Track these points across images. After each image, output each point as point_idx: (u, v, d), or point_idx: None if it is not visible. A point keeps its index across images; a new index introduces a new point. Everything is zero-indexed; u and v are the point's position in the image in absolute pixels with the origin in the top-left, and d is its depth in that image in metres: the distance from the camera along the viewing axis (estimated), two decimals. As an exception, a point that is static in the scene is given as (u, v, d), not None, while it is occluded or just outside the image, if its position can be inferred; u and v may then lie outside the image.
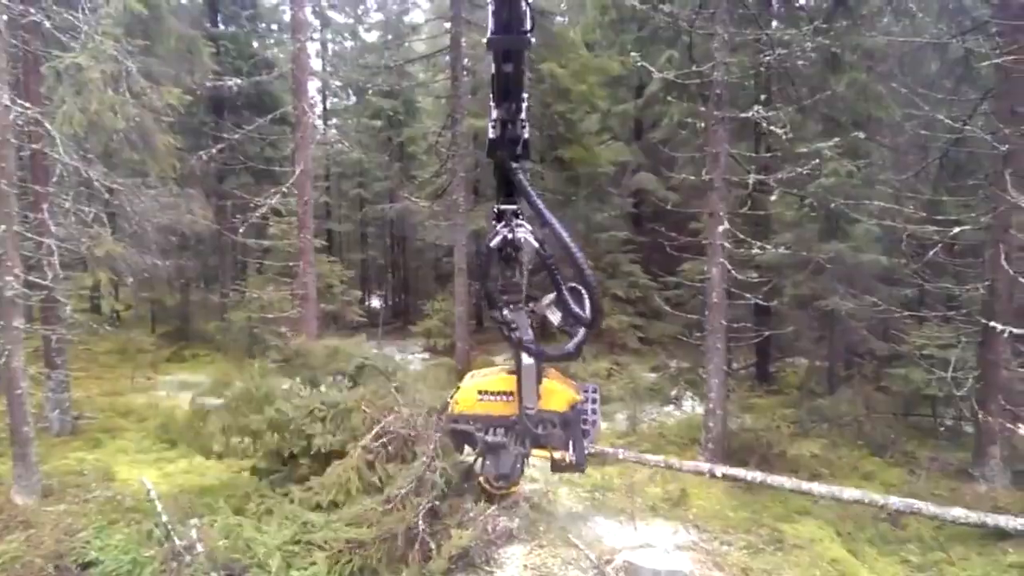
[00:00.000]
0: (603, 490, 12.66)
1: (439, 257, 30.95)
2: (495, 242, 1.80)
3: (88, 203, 13.50)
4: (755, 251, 12.85)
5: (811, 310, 16.18)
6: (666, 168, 20.11)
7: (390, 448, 9.39)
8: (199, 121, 21.15)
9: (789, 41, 12.44)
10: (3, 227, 10.56)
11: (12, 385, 10.93)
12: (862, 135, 12.90)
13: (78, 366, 15.75)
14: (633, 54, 13.29)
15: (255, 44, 25.35)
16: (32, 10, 10.90)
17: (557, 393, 2.34)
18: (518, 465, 2.36)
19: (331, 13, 26.83)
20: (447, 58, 24.23)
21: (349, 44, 29.90)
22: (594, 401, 2.50)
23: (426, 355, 23.91)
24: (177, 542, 7.20)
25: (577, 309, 1.81)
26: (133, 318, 26.39)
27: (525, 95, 1.58)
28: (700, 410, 16.22)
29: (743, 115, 12.53)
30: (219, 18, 23.60)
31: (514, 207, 1.77)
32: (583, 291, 1.83)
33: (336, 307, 22.51)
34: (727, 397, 13.53)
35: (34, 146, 11.58)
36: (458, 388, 2.48)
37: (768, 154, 14.55)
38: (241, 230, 13.90)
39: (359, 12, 28.82)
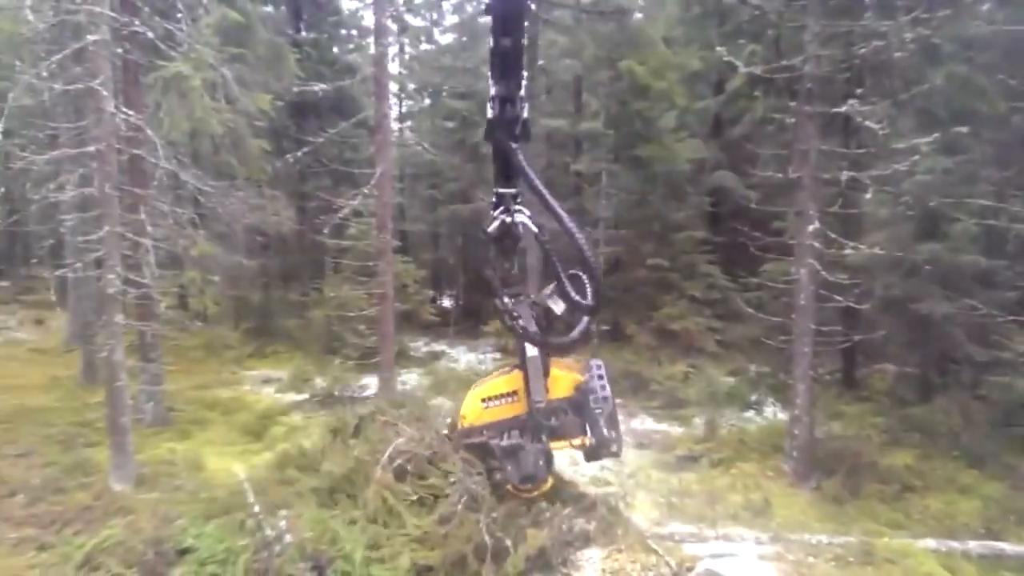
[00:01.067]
0: (681, 496, 12.42)
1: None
2: (493, 228, 1.75)
3: (181, 205, 14.16)
4: (847, 251, 12.30)
5: (903, 314, 15.38)
6: (746, 166, 19.56)
7: (409, 468, 9.38)
8: (282, 125, 21.83)
9: (885, 32, 11.85)
10: (106, 228, 11.16)
11: (112, 377, 11.54)
12: (964, 129, 12.16)
13: (168, 360, 16.50)
14: (719, 49, 12.94)
15: (335, 50, 26.01)
16: (136, 22, 11.46)
17: (559, 379, 2.27)
18: (541, 462, 2.25)
19: (408, 17, 27.33)
20: (521, 58, 24.36)
21: (425, 47, 30.37)
22: (601, 377, 2.34)
23: (497, 355, 23.96)
24: (268, 532, 7.39)
25: (577, 296, 1.76)
26: (218, 315, 27.48)
27: (525, 72, 1.50)
28: (783, 416, 15.74)
29: (835, 110, 12.04)
30: (302, 25, 24.29)
31: (513, 191, 1.71)
32: (584, 277, 1.75)
33: (410, 306, 22.82)
34: (813, 404, 13.03)
35: (136, 151, 12.17)
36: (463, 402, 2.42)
37: (860, 150, 13.91)
38: (326, 230, 14.28)
39: (435, 16, 29.25)
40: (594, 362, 2.38)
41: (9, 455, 12.36)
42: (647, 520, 11.27)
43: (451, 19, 28.36)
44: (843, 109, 11.79)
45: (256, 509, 7.85)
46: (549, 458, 2.22)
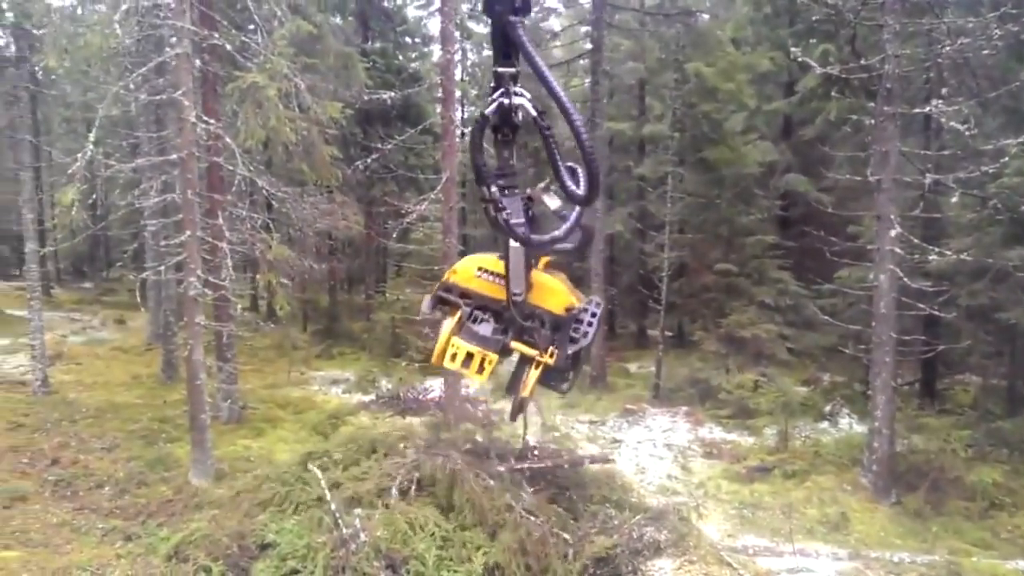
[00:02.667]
0: (753, 508, 12.13)
1: (570, 262, 30.89)
2: (490, 110, 1.59)
3: (255, 210, 14.65)
4: (932, 257, 11.78)
5: (989, 322, 14.64)
6: (819, 168, 19.00)
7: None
8: (350, 132, 22.32)
9: (971, 29, 11.32)
10: (188, 232, 11.62)
11: (192, 376, 12.00)
12: (1057, 129, 11.52)
13: (242, 360, 17.05)
14: (793, 49, 12.61)
15: (400, 58, 26.48)
16: (215, 35, 11.93)
17: (556, 293, 2.07)
18: (497, 339, 2.08)
19: (471, 24, 27.58)
20: (584, 62, 24.27)
21: (487, 53, 30.56)
22: (593, 315, 2.12)
23: (559, 360, 23.90)
24: (344, 530, 7.57)
25: (572, 185, 1.61)
26: (287, 317, 28.24)
27: None
28: (859, 428, 15.20)
29: (917, 110, 11.58)
30: (369, 34, 24.82)
31: (513, 70, 1.56)
32: (579, 170, 1.62)
33: (474, 310, 22.99)
34: (894, 416, 12.52)
35: (215, 159, 12.65)
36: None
37: (944, 152, 13.32)
38: (394, 235, 14.54)
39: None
40: (594, 299, 2.21)
41: (96, 449, 13.00)
42: (719, 532, 11.06)
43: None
44: (927, 110, 11.33)
45: (333, 507, 8.07)
46: (492, 344, 2.05)
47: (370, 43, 24.42)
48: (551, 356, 2.08)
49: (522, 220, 1.76)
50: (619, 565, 8.95)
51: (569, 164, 1.71)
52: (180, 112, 11.41)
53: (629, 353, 23.66)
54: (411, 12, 28.83)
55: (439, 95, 29.12)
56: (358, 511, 8.27)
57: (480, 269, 2.07)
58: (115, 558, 9.13)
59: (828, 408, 16.28)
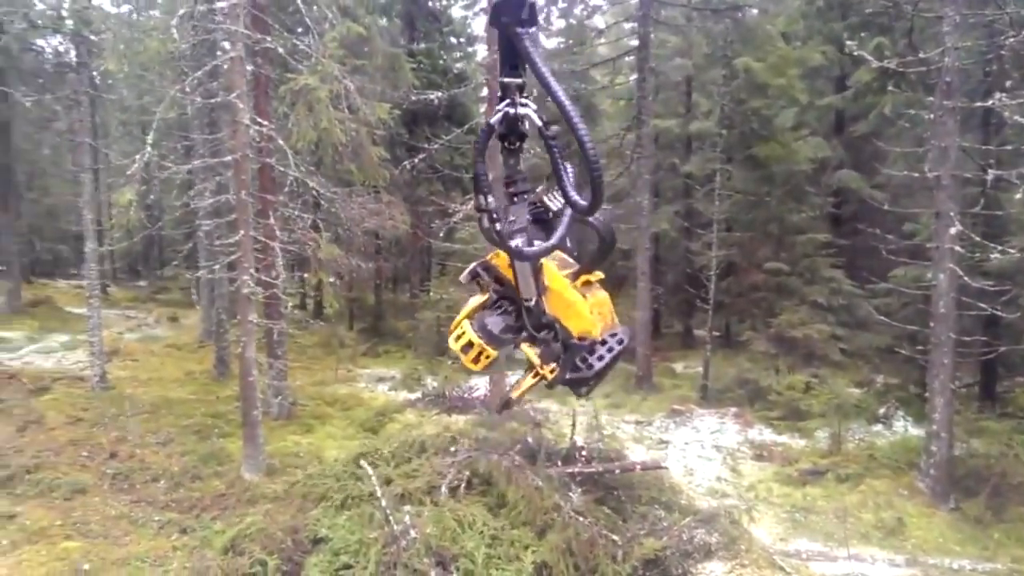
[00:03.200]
0: (805, 511, 11.87)
1: (614, 261, 30.70)
2: (495, 119, 1.57)
3: (305, 210, 14.88)
4: (994, 255, 11.33)
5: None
6: (872, 165, 18.48)
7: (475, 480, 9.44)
8: (396, 132, 22.54)
9: (1038, 19, 10.87)
10: (241, 232, 11.87)
11: (245, 372, 12.24)
12: None
13: (291, 357, 17.36)
14: (848, 43, 12.26)
15: (445, 58, 26.65)
16: (268, 38, 12.15)
17: (579, 316, 1.98)
18: (505, 338, 1.98)
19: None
20: (630, 59, 24.05)
21: (531, 52, 30.50)
22: (610, 350, 2.02)
23: (603, 358, 23.73)
24: (395, 527, 7.63)
25: (575, 194, 1.57)
26: (334, 315, 28.68)
27: None
28: (914, 431, 14.74)
29: (978, 104, 11.14)
30: (415, 35, 25.03)
31: (519, 81, 1.54)
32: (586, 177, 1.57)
33: (518, 309, 22.99)
34: (952, 419, 12.09)
35: (268, 160, 12.90)
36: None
37: (1006, 147, 12.80)
38: (441, 234, 14.64)
39: (542, 20, 29.35)
40: (620, 333, 2.09)
41: (152, 443, 13.36)
42: (770, 536, 10.85)
43: (558, 22, 28.41)
44: (989, 103, 10.87)
45: (383, 503, 8.14)
46: (497, 341, 1.95)
47: (416, 44, 24.60)
48: (550, 372, 2.04)
49: (517, 229, 1.68)
50: (669, 567, 8.83)
51: (572, 174, 1.65)
52: (234, 114, 11.66)
53: (675, 353, 23.38)
54: (456, 12, 28.98)
55: (483, 95, 29.38)
56: (408, 508, 8.33)
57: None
58: (171, 550, 9.39)
59: (882, 410, 15.81)
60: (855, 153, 20.55)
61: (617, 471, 10.14)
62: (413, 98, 14.67)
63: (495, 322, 1.95)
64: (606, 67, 25.53)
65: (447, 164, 22.67)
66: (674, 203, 24.50)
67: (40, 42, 21.07)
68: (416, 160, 14.70)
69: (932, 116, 11.80)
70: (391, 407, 16.71)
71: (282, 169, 13.19)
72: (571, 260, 2.03)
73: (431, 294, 24.04)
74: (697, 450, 14.63)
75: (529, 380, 2.13)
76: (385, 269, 24.58)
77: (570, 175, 1.61)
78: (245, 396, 12.35)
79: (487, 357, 1.97)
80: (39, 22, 18.03)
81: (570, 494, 9.41)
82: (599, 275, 1.99)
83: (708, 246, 18.63)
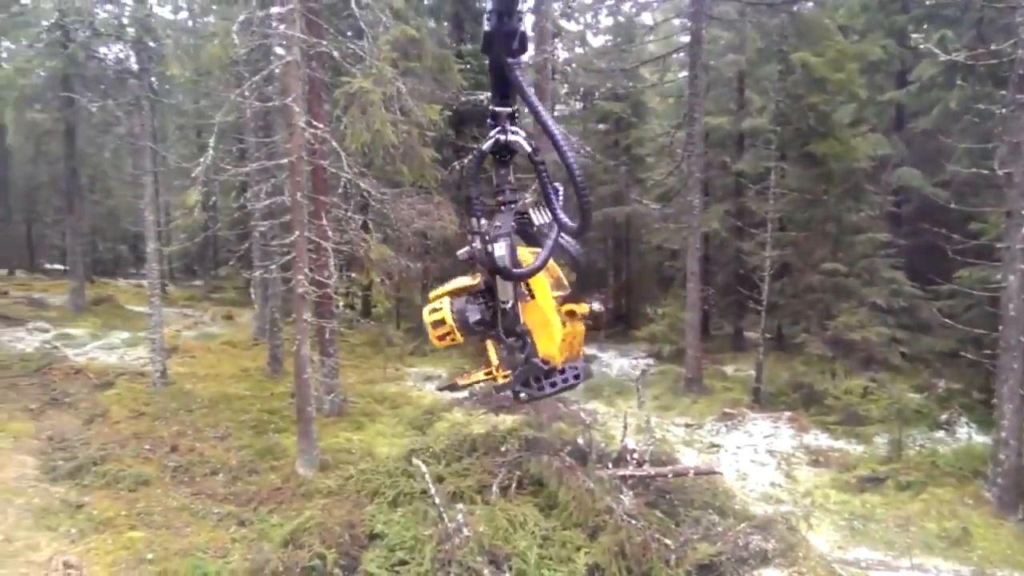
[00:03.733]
0: (864, 519, 11.53)
1: (662, 261, 30.39)
2: (487, 145, 1.64)
3: (356, 211, 15.09)
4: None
5: None
6: (934, 162, 17.86)
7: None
8: (444, 133, 22.69)
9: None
10: (297, 233, 12.11)
11: (300, 370, 12.47)
12: None
13: (341, 355, 17.61)
14: (914, 35, 11.87)
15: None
16: (323, 42, 12.36)
17: (550, 340, 1.96)
18: (476, 330, 1.98)
19: (562, 22, 27.51)
20: (679, 56, 23.76)
21: (577, 51, 30.44)
22: (564, 380, 2.00)
23: (650, 361, 23.51)
24: (448, 524, 7.68)
25: (564, 215, 1.59)
26: (384, 314, 29.03)
27: None
28: (979, 438, 14.21)
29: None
30: (463, 36, 25.16)
31: (509, 110, 1.59)
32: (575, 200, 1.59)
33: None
34: (1022, 426, 11.60)
35: (321, 162, 13.11)
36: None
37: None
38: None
39: (591, 18, 29.26)
40: (581, 370, 2.07)
41: (210, 437, 13.71)
42: (828, 543, 10.59)
43: (606, 20, 28.28)
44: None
45: (437, 501, 8.20)
46: (467, 330, 1.92)
47: (463, 45, 24.71)
48: (503, 377, 2.04)
49: (501, 234, 1.73)
50: (724, 573, 8.70)
51: (560, 193, 1.67)
52: (290, 118, 11.89)
53: (725, 355, 22.99)
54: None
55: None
56: (460, 506, 8.39)
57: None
58: (230, 542, 9.64)
59: (945, 416, 15.25)
60: (916, 150, 19.91)
61: (670, 475, 10.03)
62: (463, 99, 14.74)
63: (473, 311, 1.96)
64: (655, 64, 25.27)
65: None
66: (725, 202, 24.10)
67: (102, 49, 21.81)
68: (465, 160, 14.74)
69: (1003, 111, 11.34)
70: (439, 406, 16.83)
71: (334, 171, 13.40)
72: (565, 283, 2.04)
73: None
74: (750, 454, 14.35)
75: (481, 375, 2.15)
76: (432, 269, 24.73)
77: (559, 197, 1.64)
78: (299, 393, 12.58)
79: (452, 340, 1.99)
80: (102, 30, 18.66)
81: (621, 497, 9.35)
82: (585, 308, 1.99)
83: (761, 246, 18.25)
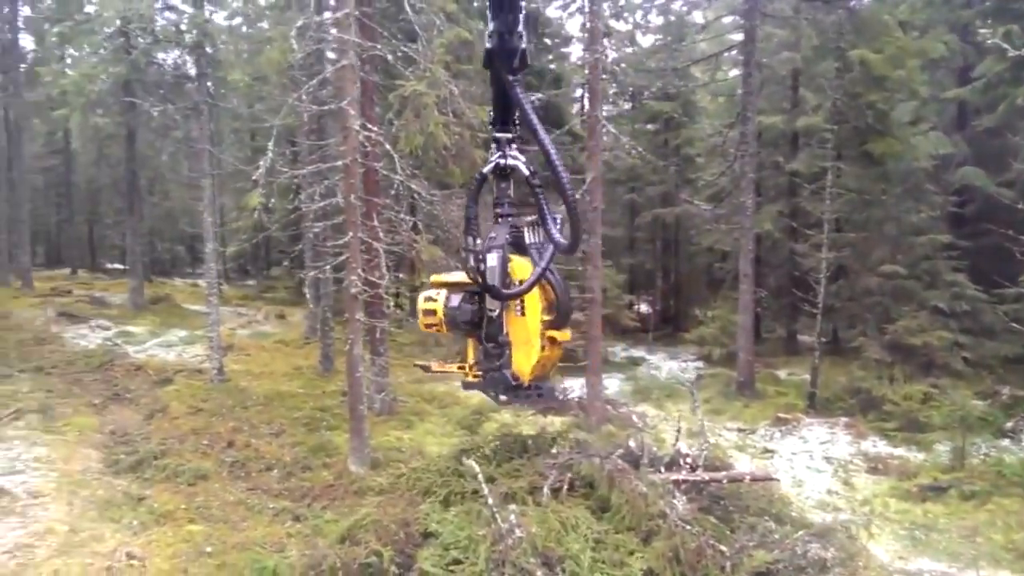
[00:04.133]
0: (926, 529, 11.15)
1: (712, 262, 29.97)
2: (488, 169, 1.77)
3: (407, 212, 15.23)
4: None
5: None
6: (998, 160, 17.18)
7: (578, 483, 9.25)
8: (492, 135, 22.78)
9: None
10: (350, 234, 12.29)
11: (352, 369, 12.64)
12: None
13: (390, 355, 17.80)
14: (982, 30, 11.45)
15: (539, 60, 26.70)
16: (377, 45, 12.52)
17: (525, 359, 1.99)
18: (462, 328, 2.04)
19: (611, 22, 27.37)
20: (731, 54, 23.37)
21: (626, 51, 30.23)
22: (527, 396, 2.07)
23: (700, 364, 23.19)
24: (501, 524, 7.68)
25: (557, 234, 1.69)
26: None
27: (523, 3, 1.39)
28: (1049, 448, 13.63)
29: None
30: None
31: (510, 136, 1.72)
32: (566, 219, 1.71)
33: (610, 311, 22.77)
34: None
35: (374, 164, 13.27)
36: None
37: None
38: (539, 235, 14.61)
39: (639, 17, 29.07)
40: (546, 388, 2.08)
41: (265, 434, 14.00)
42: (888, 553, 10.28)
43: (656, 19, 28.05)
44: None
45: (490, 501, 8.21)
46: (459, 319, 2.01)
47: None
48: (474, 376, 2.11)
49: (495, 246, 1.84)
50: (780, 581, 8.50)
51: (556, 216, 1.75)
52: (344, 121, 12.07)
53: (777, 359, 22.52)
54: (551, 13, 29.01)
55: (576, 95, 29.27)
56: (513, 507, 8.37)
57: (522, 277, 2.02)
58: (286, 536, 9.80)
59: (1010, 424, 14.66)
60: (979, 148, 19.18)
61: (724, 481, 9.85)
62: (513, 99, 14.69)
63: (463, 312, 2.03)
64: (706, 63, 24.92)
65: (541, 165, 22.71)
66: (777, 202, 23.60)
67: (160, 55, 22.51)
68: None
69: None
70: (487, 406, 16.84)
71: (386, 173, 13.55)
72: (556, 309, 2.06)
73: (524, 295, 24.20)
74: (806, 461, 14.02)
75: (454, 368, 2.28)
76: (480, 270, 24.89)
77: (557, 222, 1.73)
78: (352, 391, 12.74)
79: (438, 330, 2.11)
80: (161, 37, 19.27)
81: (674, 501, 9.21)
82: (567, 336, 2.03)
83: (817, 247, 17.81)
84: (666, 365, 23.10)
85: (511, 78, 1.48)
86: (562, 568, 7.73)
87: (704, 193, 24.39)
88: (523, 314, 1.96)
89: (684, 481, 9.61)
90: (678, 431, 10.39)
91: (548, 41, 28.04)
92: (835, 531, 9.32)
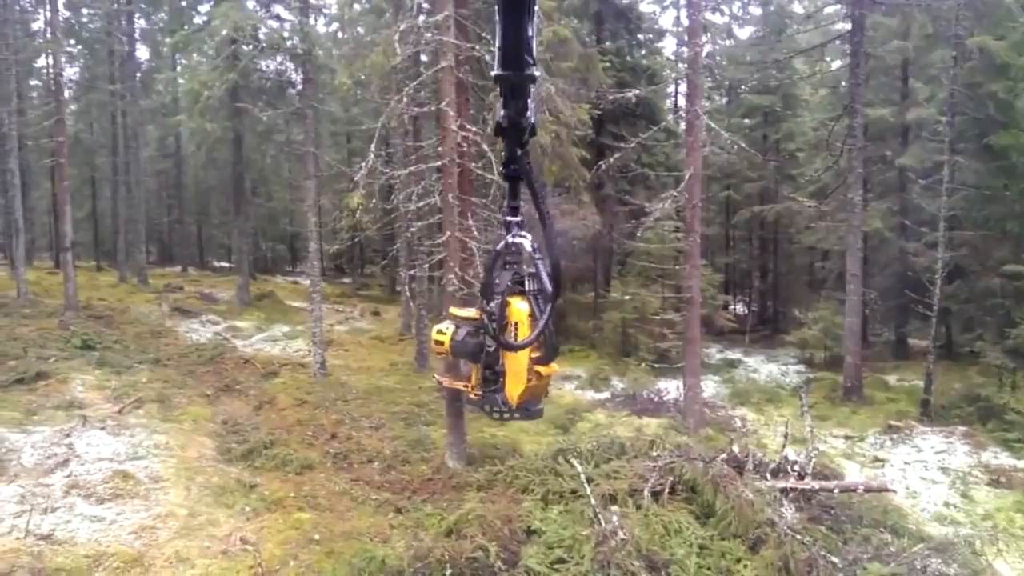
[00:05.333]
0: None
1: (812, 262, 28.78)
2: (500, 246, 2.06)
3: (499, 211, 15.34)
4: None
5: None
6: None
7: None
8: (586, 133, 22.62)
9: None
10: (448, 233, 12.49)
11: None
12: None
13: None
14: None
15: (632, 55, 26.36)
16: (476, 47, 12.66)
17: (515, 388, 2.32)
18: (465, 358, 2.42)
19: (708, 15, 26.71)
20: (835, 44, 22.35)
21: (722, 44, 29.46)
22: (515, 415, 2.41)
23: (801, 367, 22.30)
24: (604, 525, 7.62)
25: (549, 286, 1.99)
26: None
27: (533, 88, 1.50)
28: None
29: None
30: (604, 34, 25.00)
31: (518, 219, 1.96)
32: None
33: (706, 311, 22.23)
34: None
35: (469, 164, 13.44)
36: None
37: None
38: (639, 233, 14.47)
39: (736, 10, 28.25)
40: (534, 407, 2.45)
41: (365, 427, 14.40)
42: (1015, 572, 9.56)
43: (754, 11, 27.17)
44: None
45: (592, 501, 8.18)
46: (460, 350, 2.41)
47: (605, 42, 24.54)
48: (474, 395, 2.45)
49: (501, 291, 2.10)
50: (900, 596, 8.07)
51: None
52: (443, 121, 12.27)
53: (886, 363, 21.38)
54: (644, 7, 28.62)
55: (668, 91, 28.74)
56: (615, 508, 8.30)
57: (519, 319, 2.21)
58: (388, 528, 10.05)
59: None
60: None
61: (836, 490, 9.44)
62: (611, 98, 14.61)
63: (466, 345, 2.36)
64: (807, 54, 23.92)
65: (635, 162, 22.42)
66: (885, 198, 22.41)
67: (262, 62, 23.53)
68: (612, 159, 14.63)
69: None
70: (580, 406, 16.80)
71: (480, 172, 13.68)
72: (542, 347, 2.32)
73: (612, 295, 23.98)
74: (920, 471, 13.24)
75: (459, 385, 2.66)
76: (572, 269, 24.78)
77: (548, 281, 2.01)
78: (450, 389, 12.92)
79: (445, 357, 2.46)
80: (265, 44, 20.15)
81: (783, 510, 8.90)
82: (553, 370, 2.33)
83: (931, 246, 16.77)
84: (764, 368, 22.34)
85: (519, 151, 1.65)
86: (667, 573, 7.60)
87: (806, 189, 23.40)
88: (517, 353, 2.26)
89: (792, 489, 9.27)
90: (785, 437, 10.02)
91: (640, 37, 27.66)
92: (957, 546, 8.78)
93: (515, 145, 1.64)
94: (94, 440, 11.53)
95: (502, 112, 1.58)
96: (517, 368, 2.28)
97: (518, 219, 2.00)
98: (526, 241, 2.02)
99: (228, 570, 8.31)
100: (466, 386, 2.53)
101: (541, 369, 2.35)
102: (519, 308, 2.17)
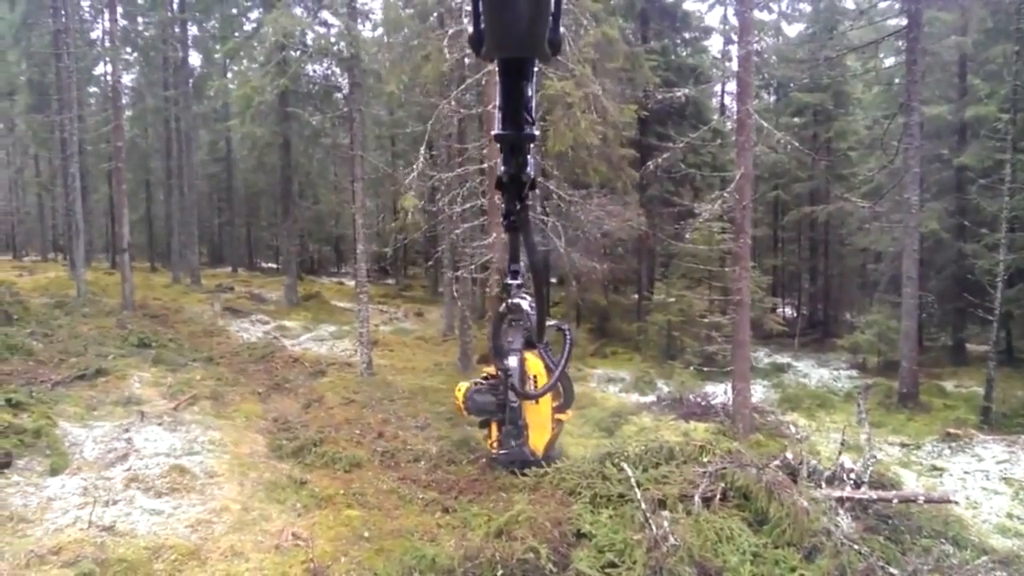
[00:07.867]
0: None
1: (864, 264, 28.03)
2: (503, 308, 2.18)
3: (545, 213, 15.33)
4: None
5: None
6: None
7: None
8: (632, 134, 22.46)
9: None
10: (493, 235, 12.55)
11: (496, 367, 12.87)
12: None
13: (524, 354, 17.84)
14: None
15: (676, 55, 26.08)
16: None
17: (540, 438, 2.45)
18: (482, 416, 2.45)
19: (756, 13, 26.23)
20: (889, 40, 21.75)
21: (772, 41, 28.91)
22: (538, 464, 2.56)
23: (853, 372, 21.74)
24: (655, 530, 7.54)
25: (538, 337, 2.22)
26: (562, 314, 29.35)
27: (532, 146, 1.49)
28: None
29: None
30: (648, 33, 24.78)
31: (519, 282, 2.07)
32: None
33: (755, 314, 21.84)
34: None
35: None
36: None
37: None
38: (688, 235, 14.31)
39: (785, 6, 27.71)
40: (552, 451, 2.58)
41: (411, 426, 14.52)
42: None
43: (804, 7, 26.60)
44: None
45: (643, 506, 8.09)
46: (472, 414, 2.44)
47: (650, 42, 24.33)
48: (495, 451, 2.47)
49: (513, 349, 2.22)
50: (965, 615, 7.81)
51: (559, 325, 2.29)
52: (489, 124, 12.34)
53: (943, 369, 20.71)
54: (689, 6, 28.30)
55: (715, 90, 28.32)
56: (665, 513, 8.20)
57: (536, 372, 2.34)
58: (436, 527, 10.11)
59: None
60: None
61: (894, 500, 9.16)
62: (659, 97, 14.47)
63: (478, 403, 2.39)
64: (860, 51, 23.33)
65: (679, 162, 22.16)
66: (942, 199, 21.71)
67: (310, 67, 23.92)
68: (660, 159, 14.47)
69: None
70: (625, 409, 16.64)
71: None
72: (560, 396, 2.47)
73: (656, 297, 23.73)
74: (981, 481, 12.78)
75: (482, 437, 2.66)
76: (616, 270, 24.63)
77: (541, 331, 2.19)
78: (491, 388, 12.94)
79: (462, 413, 2.49)
80: (311, 50, 20.49)
81: (839, 519, 8.68)
82: (568, 416, 2.48)
83: (992, 248, 16.18)
84: (815, 373, 21.85)
85: (518, 205, 1.67)
86: (720, 580, 7.49)
87: (859, 190, 22.81)
88: (538, 403, 2.35)
89: (848, 498, 9.04)
90: (842, 444, 9.77)
91: (686, 35, 27.34)
92: (1023, 559, 8.48)
93: (515, 199, 1.64)
94: (151, 435, 11.87)
95: (502, 168, 1.62)
96: (540, 420, 2.41)
97: (518, 282, 2.11)
98: (524, 302, 2.15)
99: (281, 565, 8.45)
100: (488, 441, 2.59)
101: (560, 416, 2.50)
102: (536, 363, 2.31)
